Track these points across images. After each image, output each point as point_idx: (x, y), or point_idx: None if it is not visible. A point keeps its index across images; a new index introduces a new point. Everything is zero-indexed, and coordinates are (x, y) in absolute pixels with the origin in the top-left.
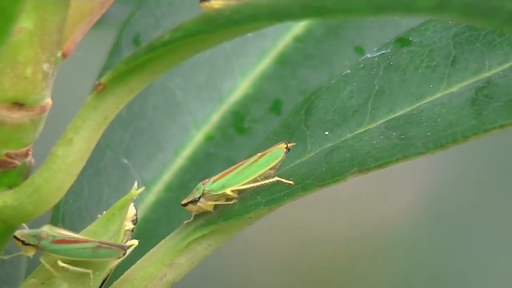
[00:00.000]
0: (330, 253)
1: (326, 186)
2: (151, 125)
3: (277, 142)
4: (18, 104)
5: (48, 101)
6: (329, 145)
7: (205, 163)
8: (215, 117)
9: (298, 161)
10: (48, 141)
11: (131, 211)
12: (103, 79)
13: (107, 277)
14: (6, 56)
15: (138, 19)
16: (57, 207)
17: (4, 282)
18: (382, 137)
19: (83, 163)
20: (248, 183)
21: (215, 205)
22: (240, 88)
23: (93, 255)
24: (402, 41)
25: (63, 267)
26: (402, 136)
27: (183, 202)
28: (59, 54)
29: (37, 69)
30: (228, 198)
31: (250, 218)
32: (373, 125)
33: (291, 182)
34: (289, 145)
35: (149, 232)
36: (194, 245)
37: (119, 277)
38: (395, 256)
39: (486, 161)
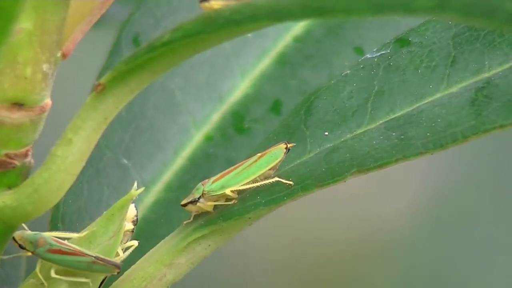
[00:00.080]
0: (330, 253)
1: (326, 187)
2: (151, 125)
3: (276, 142)
4: (18, 105)
5: (48, 101)
6: (328, 145)
7: (205, 163)
8: (215, 117)
9: (298, 161)
10: (48, 141)
11: (132, 211)
12: (103, 79)
13: (106, 277)
14: (6, 56)
15: (138, 19)
16: (56, 207)
17: (4, 282)
18: (381, 137)
19: (83, 163)
20: (247, 183)
21: (215, 206)
22: (240, 88)
23: (88, 269)
24: (402, 41)
25: (55, 278)
26: (402, 137)
27: (183, 202)
28: (58, 54)
29: (36, 69)
30: (228, 199)
31: (249, 218)
32: (372, 126)
33: (290, 182)
34: (288, 145)
35: (148, 232)
36: (194, 246)
37: (118, 277)
38: (395, 256)
39: (486, 161)
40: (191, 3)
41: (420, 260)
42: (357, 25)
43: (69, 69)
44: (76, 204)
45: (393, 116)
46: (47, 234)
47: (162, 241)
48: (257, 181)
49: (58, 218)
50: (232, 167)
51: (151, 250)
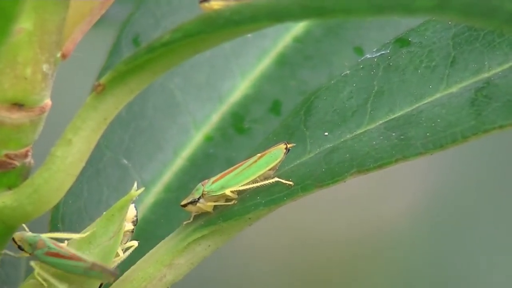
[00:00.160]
0: (330, 253)
1: (326, 187)
2: (151, 126)
3: (276, 142)
4: (18, 105)
5: (48, 101)
6: (328, 145)
7: (205, 163)
8: (215, 118)
9: (298, 161)
10: (48, 141)
11: (132, 212)
12: (103, 80)
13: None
14: (6, 57)
15: (138, 19)
16: (56, 207)
17: (4, 282)
18: (381, 137)
19: (83, 164)
20: (247, 183)
21: (215, 206)
22: (239, 88)
23: (84, 274)
24: (402, 41)
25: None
26: (402, 137)
27: (183, 202)
28: (58, 55)
29: (36, 69)
30: (228, 199)
31: (249, 218)
32: (372, 126)
33: (290, 182)
34: (288, 145)
35: (148, 232)
36: (194, 246)
37: (118, 277)
38: (395, 256)
39: (485, 162)
40: (191, 3)
41: (420, 260)
42: (357, 25)
43: (69, 69)
44: (76, 205)
45: (392, 116)
46: (47, 235)
47: (162, 241)
48: (257, 182)
49: (58, 218)
50: (232, 168)
51: (151, 251)
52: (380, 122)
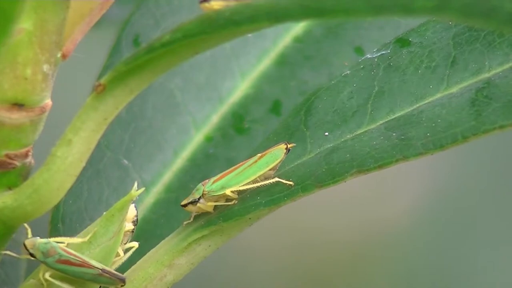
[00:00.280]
0: (330, 253)
1: (326, 187)
2: (151, 126)
3: (277, 142)
4: (18, 105)
5: (48, 102)
6: (329, 145)
7: (205, 163)
8: (215, 118)
9: (298, 161)
10: (48, 141)
11: (132, 212)
12: (103, 80)
13: None
14: (6, 57)
15: (138, 20)
16: (56, 207)
17: (4, 282)
18: (382, 137)
19: (83, 164)
20: (248, 183)
21: (215, 206)
22: (240, 88)
23: (93, 280)
24: (402, 41)
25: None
26: (402, 137)
27: (183, 202)
28: (58, 55)
29: (36, 70)
30: (228, 199)
31: (250, 219)
32: (373, 126)
33: (291, 182)
34: (289, 145)
35: (148, 232)
36: (194, 246)
37: None
38: (395, 256)
39: (486, 162)
40: (191, 3)
41: (420, 261)
42: (357, 25)
43: (69, 69)
44: (76, 205)
45: (393, 117)
46: (56, 240)
47: (162, 241)
48: (257, 182)
49: (58, 218)
50: (232, 168)
51: (151, 251)
52: (381, 122)
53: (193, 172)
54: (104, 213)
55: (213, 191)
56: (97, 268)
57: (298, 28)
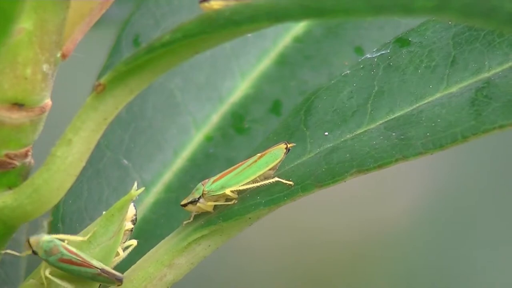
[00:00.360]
0: (330, 253)
1: (326, 187)
2: (151, 126)
3: (276, 142)
4: (18, 105)
5: (48, 101)
6: (328, 145)
7: (205, 163)
8: (215, 118)
9: (298, 161)
10: (48, 141)
11: (131, 211)
12: (103, 80)
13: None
14: (6, 57)
15: (138, 20)
16: (56, 207)
17: (4, 282)
18: (381, 137)
19: (83, 164)
20: (248, 183)
21: (215, 206)
22: (240, 88)
23: (92, 279)
24: (402, 41)
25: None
26: (402, 137)
27: (183, 202)
28: (58, 55)
29: (36, 69)
30: (228, 199)
31: (250, 218)
32: (372, 126)
33: (290, 182)
34: (288, 145)
35: (148, 232)
36: (194, 246)
37: None
38: (395, 257)
39: (486, 162)
40: (191, 3)
41: (420, 260)
42: (357, 25)
43: (69, 69)
44: (76, 204)
45: (393, 116)
46: (58, 237)
47: (162, 241)
48: (257, 181)
49: (58, 218)
50: (232, 167)
51: (151, 250)
52: (380, 122)
53: (193, 172)
54: (104, 212)
55: (213, 191)
56: (96, 267)
57: (298, 28)
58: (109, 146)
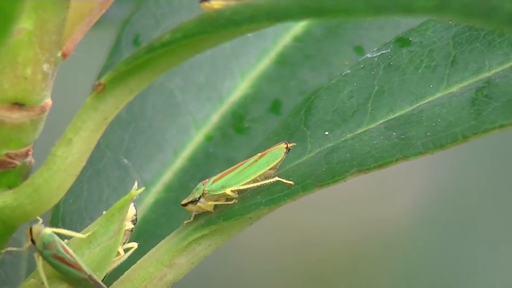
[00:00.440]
0: (330, 253)
1: (326, 186)
2: (151, 126)
3: (277, 142)
4: (18, 105)
5: (48, 101)
6: (329, 145)
7: (205, 163)
8: (215, 117)
9: (298, 161)
10: (48, 141)
11: (131, 211)
12: (103, 80)
13: (105, 277)
14: (6, 57)
15: (138, 20)
16: (57, 207)
17: (4, 282)
18: (382, 137)
19: (83, 164)
20: (248, 183)
21: (215, 205)
22: (239, 88)
23: (78, 282)
24: (402, 41)
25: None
26: (402, 136)
27: (183, 202)
28: (59, 55)
29: (36, 69)
30: (228, 198)
31: (250, 218)
32: (373, 125)
33: (291, 182)
34: (289, 145)
35: (149, 232)
36: (194, 245)
37: (119, 277)
38: (395, 256)
39: (486, 162)
40: (191, 3)
41: (420, 260)
42: (357, 25)
43: (69, 69)
44: (76, 204)
45: (393, 116)
46: (59, 231)
47: (163, 241)
48: (258, 181)
49: (58, 218)
50: (233, 167)
51: (151, 250)
52: (381, 121)
53: (193, 172)
54: (104, 212)
55: (213, 191)
56: (85, 273)
57: (298, 27)
58: (109, 146)
